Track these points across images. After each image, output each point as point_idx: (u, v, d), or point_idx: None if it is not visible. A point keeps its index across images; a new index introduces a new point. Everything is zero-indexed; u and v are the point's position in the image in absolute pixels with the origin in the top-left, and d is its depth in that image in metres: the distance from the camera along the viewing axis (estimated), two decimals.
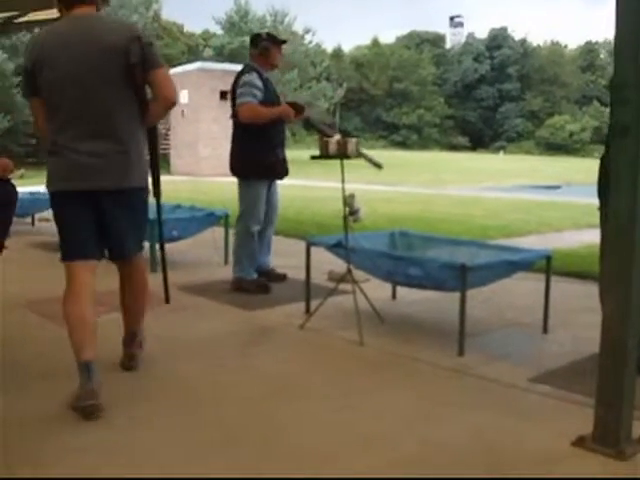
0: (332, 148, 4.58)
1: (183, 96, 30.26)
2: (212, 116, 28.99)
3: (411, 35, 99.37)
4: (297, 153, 23.17)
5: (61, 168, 3.43)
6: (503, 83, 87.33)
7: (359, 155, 4.70)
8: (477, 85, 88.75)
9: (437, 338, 4.57)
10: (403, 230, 5.72)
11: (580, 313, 5.14)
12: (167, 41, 52.53)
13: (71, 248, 3.50)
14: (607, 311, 2.90)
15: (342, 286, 4.96)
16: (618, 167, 2.77)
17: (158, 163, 3.91)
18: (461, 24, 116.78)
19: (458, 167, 38.37)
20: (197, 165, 29.54)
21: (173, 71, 32.63)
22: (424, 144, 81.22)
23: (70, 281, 3.47)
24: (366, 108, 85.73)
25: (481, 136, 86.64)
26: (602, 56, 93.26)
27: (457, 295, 4.24)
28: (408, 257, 4.79)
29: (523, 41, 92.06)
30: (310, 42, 50.26)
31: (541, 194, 19.78)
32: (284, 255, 7.19)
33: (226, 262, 6.87)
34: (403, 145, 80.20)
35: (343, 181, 4.65)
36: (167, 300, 4.50)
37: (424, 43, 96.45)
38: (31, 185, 10.02)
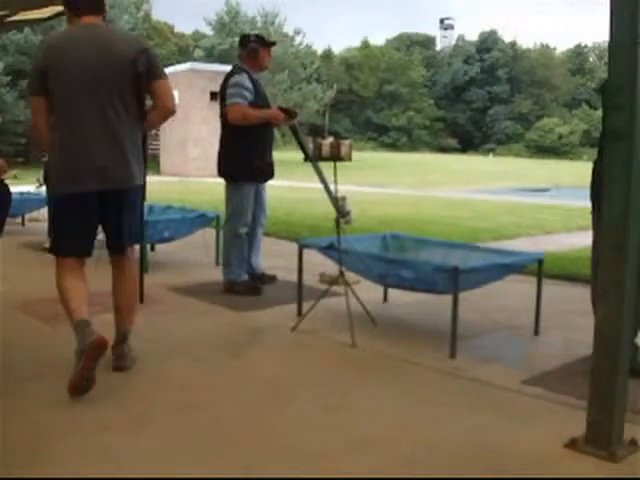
0: (325, 150, 4.58)
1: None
2: (202, 117, 28.94)
3: (401, 37, 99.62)
4: (286, 155, 23.23)
5: (67, 170, 3.62)
6: (493, 85, 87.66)
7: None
8: (467, 87, 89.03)
9: (429, 340, 4.58)
10: (395, 233, 5.73)
11: (571, 316, 5.17)
12: (157, 41, 52.41)
13: (66, 246, 3.71)
14: (600, 314, 2.91)
15: (334, 288, 4.98)
16: (611, 171, 2.78)
17: (146, 165, 3.96)
18: (451, 26, 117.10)
19: (447, 169, 38.47)
20: (186, 166, 29.48)
21: None
22: (414, 146, 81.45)
23: (61, 268, 3.69)
24: (356, 110, 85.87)
25: (471, 138, 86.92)
26: (591, 59, 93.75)
27: (448, 297, 4.26)
28: (400, 260, 4.80)
29: (513, 44, 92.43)
30: (300, 43, 50.30)
31: (531, 196, 19.86)
32: (275, 256, 7.20)
33: (217, 263, 6.86)
34: (393, 147, 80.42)
35: (336, 183, 4.66)
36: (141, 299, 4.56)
37: (414, 45, 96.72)
38: (21, 185, 9.97)
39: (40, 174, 8.35)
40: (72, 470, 2.68)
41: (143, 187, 3.91)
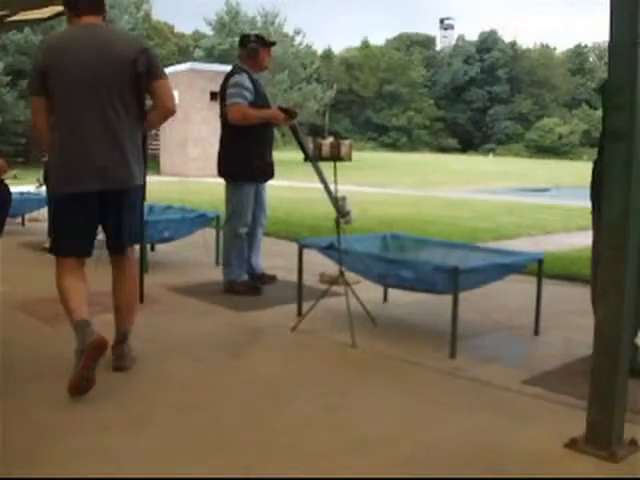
0: (325, 150, 4.58)
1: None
2: (202, 117, 28.95)
3: (401, 37, 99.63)
4: (286, 155, 23.23)
5: (68, 170, 3.63)
6: (493, 85, 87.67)
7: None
8: (467, 87, 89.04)
9: (429, 340, 4.59)
10: (395, 233, 5.73)
11: (570, 316, 5.17)
12: (157, 41, 52.42)
13: (66, 246, 3.73)
14: (600, 314, 2.91)
15: (333, 288, 4.98)
16: (612, 171, 2.79)
17: (146, 165, 3.97)
18: (451, 26, 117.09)
19: (447, 169, 38.48)
20: (186, 166, 29.49)
21: None
22: (414, 146, 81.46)
23: (61, 268, 3.71)
24: (356, 110, 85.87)
25: (470, 138, 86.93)
26: (591, 59, 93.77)
27: (448, 297, 4.26)
28: (401, 260, 4.80)
29: (513, 44, 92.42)
30: (300, 43, 50.31)
31: (531, 197, 19.85)
32: (275, 256, 7.20)
33: (217, 263, 6.86)
34: (393, 147, 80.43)
35: (336, 183, 4.66)
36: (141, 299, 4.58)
37: (414, 45, 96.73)
38: (21, 185, 9.97)
39: (40, 174, 8.35)
40: (72, 470, 2.68)
41: (143, 187, 3.92)
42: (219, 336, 4.64)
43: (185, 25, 77.92)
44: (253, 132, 5.61)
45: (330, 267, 5.68)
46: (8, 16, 8.88)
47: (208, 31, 52.13)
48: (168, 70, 31.99)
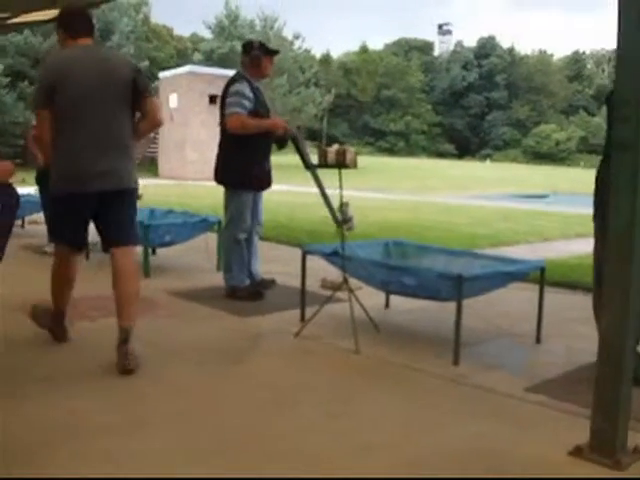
0: (331, 158, 4.60)
1: (172, 100, 30.23)
2: (200, 120, 28.98)
3: (399, 42, 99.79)
4: (285, 159, 23.25)
5: (71, 172, 4.03)
6: (491, 91, 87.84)
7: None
8: (465, 93, 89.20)
9: (431, 347, 4.60)
10: (397, 239, 5.76)
11: (572, 323, 5.19)
12: (156, 44, 52.46)
13: (65, 237, 4.24)
14: (605, 323, 2.93)
15: (335, 294, 4.99)
16: (618, 182, 2.81)
17: None
18: (449, 32, 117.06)
19: (444, 174, 38.54)
20: (184, 169, 29.49)
21: (163, 74, 32.66)
22: (411, 151, 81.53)
23: (59, 253, 4.26)
24: (354, 114, 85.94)
25: (468, 144, 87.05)
26: (589, 66, 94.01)
27: (449, 305, 4.29)
28: (404, 267, 4.82)
29: (511, 50, 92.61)
30: (299, 48, 50.34)
31: (528, 203, 19.87)
32: (276, 262, 7.22)
33: (218, 268, 6.88)
34: (390, 152, 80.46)
35: (341, 188, 4.67)
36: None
37: (412, 50, 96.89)
38: (20, 187, 9.94)
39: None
40: (72, 470, 2.70)
41: (137, 189, 4.33)
42: (221, 341, 4.65)
43: (184, 28, 77.89)
44: (252, 141, 5.61)
45: (331, 272, 5.70)
46: (9, 18, 8.91)
47: (207, 34, 52.15)
48: (167, 73, 32.17)
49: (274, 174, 6.03)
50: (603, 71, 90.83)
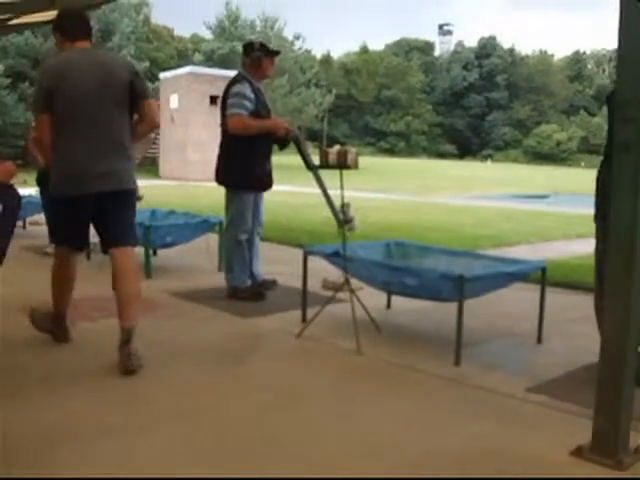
0: (332, 158, 4.60)
1: (173, 100, 30.23)
2: (201, 121, 28.97)
3: (400, 42, 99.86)
4: (287, 159, 23.23)
5: (70, 174, 4.05)
6: (491, 92, 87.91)
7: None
8: (465, 93, 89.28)
9: (433, 347, 4.61)
10: (398, 240, 5.76)
11: (573, 323, 5.20)
12: (157, 45, 52.48)
13: (66, 238, 4.27)
14: (607, 324, 2.93)
15: (337, 294, 4.98)
16: (620, 183, 2.81)
17: None
18: (450, 32, 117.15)
19: (445, 175, 38.55)
20: (185, 169, 29.49)
21: (163, 75, 32.67)
22: (412, 151, 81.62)
23: (59, 254, 4.29)
24: (354, 115, 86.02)
25: (468, 144, 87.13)
26: (589, 66, 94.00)
27: (450, 305, 4.29)
28: (406, 267, 4.82)
29: (511, 50, 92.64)
30: (300, 48, 50.39)
31: (529, 203, 19.87)
32: (277, 262, 7.22)
33: (220, 269, 6.88)
34: (391, 152, 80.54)
35: (342, 189, 4.67)
36: None
37: (413, 51, 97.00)
38: (21, 188, 9.96)
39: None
40: (73, 470, 2.70)
41: (136, 190, 4.35)
42: (223, 342, 4.65)
43: (185, 29, 78.31)
44: (253, 142, 5.61)
45: (332, 273, 5.70)
46: (10, 19, 8.92)
47: (208, 35, 52.19)
48: (168, 73, 32.17)
49: (275, 175, 6.02)
50: (604, 71, 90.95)
